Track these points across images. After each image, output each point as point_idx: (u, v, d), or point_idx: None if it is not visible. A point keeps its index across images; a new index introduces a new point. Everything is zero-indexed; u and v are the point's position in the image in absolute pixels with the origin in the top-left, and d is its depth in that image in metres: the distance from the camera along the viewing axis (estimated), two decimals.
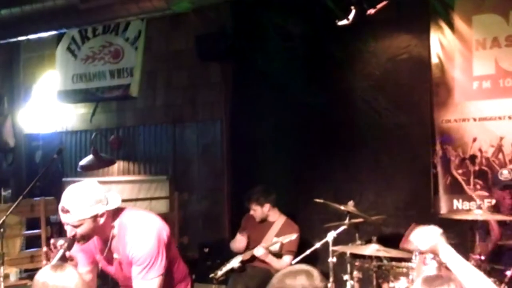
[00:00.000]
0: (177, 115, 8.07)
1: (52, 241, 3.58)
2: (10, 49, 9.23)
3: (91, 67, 8.28)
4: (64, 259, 3.46)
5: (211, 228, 7.66)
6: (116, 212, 3.63)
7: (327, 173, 6.60)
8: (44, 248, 3.63)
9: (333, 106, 6.67)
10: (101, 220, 3.53)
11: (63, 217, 3.50)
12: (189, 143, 8.05)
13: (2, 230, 5.12)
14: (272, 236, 6.22)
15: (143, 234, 3.56)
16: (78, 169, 8.12)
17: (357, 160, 6.59)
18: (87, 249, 3.74)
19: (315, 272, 2.69)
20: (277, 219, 6.34)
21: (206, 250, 7.00)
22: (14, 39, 7.49)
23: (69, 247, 3.50)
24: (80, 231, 3.49)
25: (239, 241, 6.47)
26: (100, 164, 8.14)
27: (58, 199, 3.61)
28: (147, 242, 3.54)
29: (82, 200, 3.47)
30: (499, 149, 5.97)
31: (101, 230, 3.58)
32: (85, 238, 3.55)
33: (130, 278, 3.62)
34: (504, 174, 5.41)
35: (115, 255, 3.69)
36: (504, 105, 5.96)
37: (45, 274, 2.89)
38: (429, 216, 5.96)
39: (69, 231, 3.51)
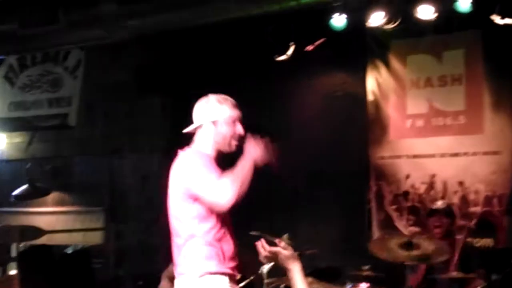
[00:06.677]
0: (115, 146, 8.00)
1: None
2: None
3: (29, 96, 8.15)
4: None
5: (147, 260, 7.57)
6: None
7: (264, 205, 6.61)
8: None
9: (271, 138, 6.73)
10: None
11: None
12: (127, 174, 7.98)
13: None
14: None
15: None
16: (12, 199, 7.93)
17: (294, 193, 6.65)
18: None
19: None
20: None
21: (140, 282, 6.92)
22: None
23: None
24: None
25: (170, 273, 6.44)
26: (35, 194, 7.96)
27: None
28: None
29: None
30: (431, 186, 6.13)
31: None
32: None
33: None
34: (437, 204, 5.58)
35: None
36: (436, 143, 6.14)
37: None
38: (362, 250, 6.03)
39: None
